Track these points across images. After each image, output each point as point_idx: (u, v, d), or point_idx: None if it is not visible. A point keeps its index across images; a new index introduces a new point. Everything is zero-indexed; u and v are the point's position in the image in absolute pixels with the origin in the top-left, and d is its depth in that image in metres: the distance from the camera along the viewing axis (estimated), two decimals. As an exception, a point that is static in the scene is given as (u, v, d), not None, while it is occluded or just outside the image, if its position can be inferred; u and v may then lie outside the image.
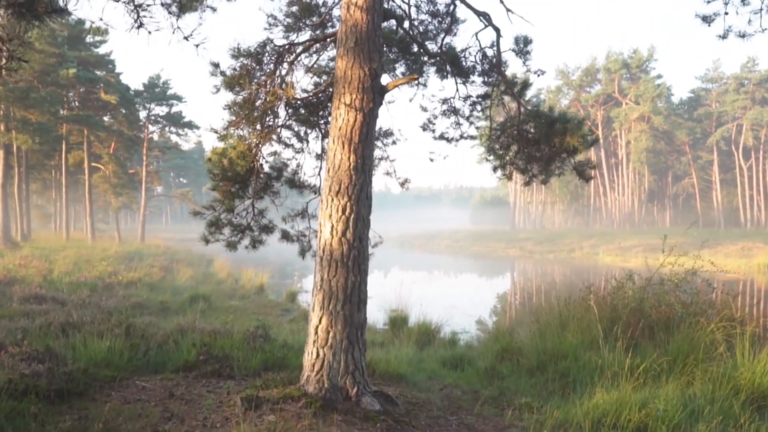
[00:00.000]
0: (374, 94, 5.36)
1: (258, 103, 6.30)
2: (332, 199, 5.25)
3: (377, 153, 7.80)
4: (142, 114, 44.62)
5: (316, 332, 5.23)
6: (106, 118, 41.45)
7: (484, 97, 7.75)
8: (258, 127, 6.72)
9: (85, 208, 41.62)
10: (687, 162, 73.58)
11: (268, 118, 6.74)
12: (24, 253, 23.86)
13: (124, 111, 39.19)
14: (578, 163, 6.92)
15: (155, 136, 50.39)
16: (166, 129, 48.17)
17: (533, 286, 28.88)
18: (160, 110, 44.96)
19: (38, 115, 29.13)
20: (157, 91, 43.89)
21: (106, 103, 37.67)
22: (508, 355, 8.84)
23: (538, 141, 7.09)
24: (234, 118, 6.33)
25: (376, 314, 14.27)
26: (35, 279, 15.98)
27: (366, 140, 5.33)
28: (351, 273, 5.18)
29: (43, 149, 41.10)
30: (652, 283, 9.19)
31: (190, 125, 44.46)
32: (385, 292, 14.63)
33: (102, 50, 39.36)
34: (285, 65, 6.32)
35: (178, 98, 44.72)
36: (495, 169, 8.30)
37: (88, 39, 36.56)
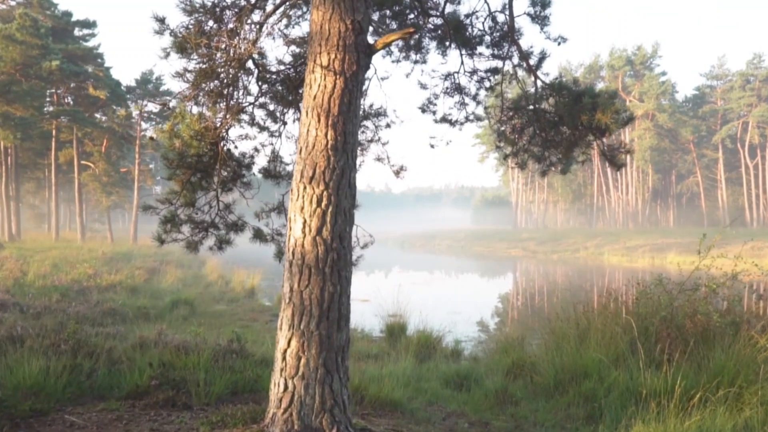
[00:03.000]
0: (358, 54, 4.21)
1: (221, 72, 5.16)
2: (304, 188, 4.10)
3: (366, 135, 6.65)
4: (135, 110, 43.41)
5: (284, 358, 4.08)
6: (97, 115, 40.27)
7: (494, 71, 6.59)
8: (223, 104, 5.58)
9: (75, 208, 40.45)
10: (691, 160, 72.41)
11: (235, 93, 5.59)
12: (3, 255, 22.71)
13: (115, 107, 37.96)
14: (608, 148, 5.76)
15: (153, 134, 49.15)
16: (159, 126, 46.95)
17: (540, 288, 27.71)
18: (154, 107, 43.77)
19: (21, 109, 27.92)
20: (149, 87, 42.65)
21: (96, 99, 36.44)
22: (519, 371, 7.73)
23: (559, 121, 5.94)
24: (187, 89, 5.19)
25: (372, 320, 13.12)
26: (5, 283, 14.83)
27: (348, 113, 4.18)
28: (328, 282, 4.03)
29: (35, 147, 39.94)
30: (684, 288, 8.04)
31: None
32: (384, 296, 13.45)
33: (91, 43, 38.18)
34: (252, 26, 5.18)
35: (171, 94, 43.51)
36: (506, 157, 7.15)
37: (76, 32, 35.32)
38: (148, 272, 21.70)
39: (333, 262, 4.05)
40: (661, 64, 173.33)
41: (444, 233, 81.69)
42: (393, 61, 7.56)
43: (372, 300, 14.36)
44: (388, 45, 4.41)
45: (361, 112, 6.83)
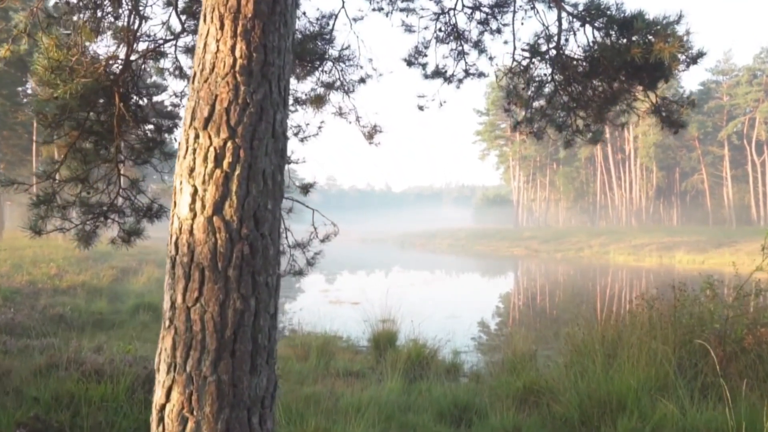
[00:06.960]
0: None
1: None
2: (196, 137, 2.48)
3: (323, 77, 5.00)
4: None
5: (162, 420, 2.45)
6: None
7: (501, 6, 4.96)
8: (128, 39, 3.96)
9: (57, 205, 38.76)
10: (696, 157, 70.71)
11: (143, 25, 3.97)
12: (-34, 254, 21.08)
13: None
14: (664, 102, 4.13)
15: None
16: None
17: (547, 289, 26.06)
18: (140, 100, 41.94)
19: (-8, 99, 26.38)
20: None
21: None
22: (533, 397, 6.14)
23: (591, 71, 4.31)
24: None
25: (357, 328, 11.47)
26: (-50, 284, 13.23)
27: (272, 15, 2.55)
28: (234, 292, 2.41)
29: (22, 143, 38.31)
30: (742, 293, 6.45)
31: (172, 116, 41.47)
32: (378, 298, 11.79)
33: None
34: None
35: (158, 86, 41.73)
36: (516, 125, 5.52)
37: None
38: (122, 272, 20.11)
39: (243, 260, 2.42)
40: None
41: (444, 232, 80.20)
42: (374, 9, 5.95)
43: (363, 303, 12.74)
44: None
45: (323, 55, 5.24)
